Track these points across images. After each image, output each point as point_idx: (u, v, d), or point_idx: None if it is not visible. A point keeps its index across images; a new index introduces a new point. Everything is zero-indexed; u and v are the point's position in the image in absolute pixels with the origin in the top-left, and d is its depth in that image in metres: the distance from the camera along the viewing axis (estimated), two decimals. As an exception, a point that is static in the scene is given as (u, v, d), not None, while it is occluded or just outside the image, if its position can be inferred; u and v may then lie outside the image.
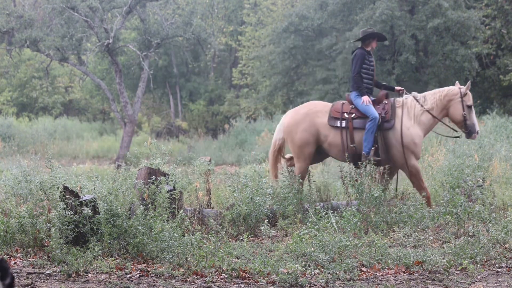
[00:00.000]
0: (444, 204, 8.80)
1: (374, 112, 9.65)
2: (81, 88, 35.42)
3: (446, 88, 9.94)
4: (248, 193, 8.87)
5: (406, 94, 10.03)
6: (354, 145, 9.71)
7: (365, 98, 9.75)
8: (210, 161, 10.06)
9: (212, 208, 9.48)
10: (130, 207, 8.04)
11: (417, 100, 9.82)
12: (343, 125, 9.79)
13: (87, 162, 20.66)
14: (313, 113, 9.98)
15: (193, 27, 24.65)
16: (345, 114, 9.83)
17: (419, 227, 8.55)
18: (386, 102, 9.83)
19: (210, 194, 9.68)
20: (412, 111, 9.77)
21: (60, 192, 7.35)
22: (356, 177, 9.24)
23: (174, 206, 8.10)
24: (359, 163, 9.54)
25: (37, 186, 8.44)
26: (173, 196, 8.24)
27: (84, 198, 7.34)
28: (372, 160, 9.43)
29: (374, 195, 8.82)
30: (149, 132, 32.35)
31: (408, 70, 25.05)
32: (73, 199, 7.26)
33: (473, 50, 24.07)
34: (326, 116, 9.92)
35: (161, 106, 35.09)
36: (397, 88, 10.19)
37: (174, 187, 8.56)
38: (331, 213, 8.38)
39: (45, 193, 7.96)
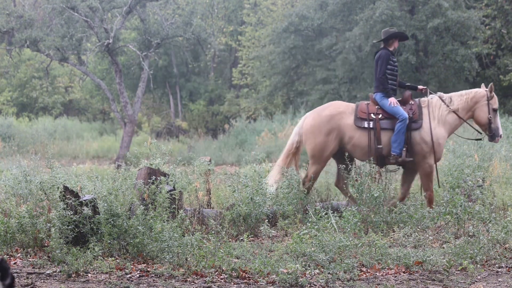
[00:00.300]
0: (444, 204, 8.80)
1: (403, 113, 9.59)
2: (81, 88, 35.41)
3: (473, 90, 9.93)
4: (248, 193, 8.86)
5: (430, 93, 10.01)
6: (380, 146, 9.64)
7: (392, 100, 9.69)
8: (210, 161, 10.05)
9: (212, 208, 9.48)
10: (130, 207, 8.05)
11: (443, 101, 9.79)
12: (371, 125, 9.68)
13: (87, 162, 20.65)
14: (337, 114, 9.80)
15: (193, 27, 24.64)
16: (372, 115, 9.73)
17: (419, 227, 8.55)
18: (413, 102, 9.80)
19: (210, 194, 9.68)
20: (437, 111, 9.74)
21: (60, 192, 7.35)
22: (356, 177, 9.23)
23: (174, 206, 8.09)
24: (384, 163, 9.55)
25: (37, 186, 8.44)
26: (173, 196, 8.24)
27: (84, 198, 7.34)
28: (405, 160, 9.45)
29: (374, 195, 8.82)
30: (149, 132, 32.34)
31: (408, 70, 25.04)
32: (73, 199, 7.26)
33: (473, 50, 24.07)
34: (351, 117, 9.77)
35: (161, 106, 35.07)
36: (420, 87, 10.13)
37: (174, 187, 8.56)
38: (331, 213, 8.37)
39: (45, 193, 7.96)
